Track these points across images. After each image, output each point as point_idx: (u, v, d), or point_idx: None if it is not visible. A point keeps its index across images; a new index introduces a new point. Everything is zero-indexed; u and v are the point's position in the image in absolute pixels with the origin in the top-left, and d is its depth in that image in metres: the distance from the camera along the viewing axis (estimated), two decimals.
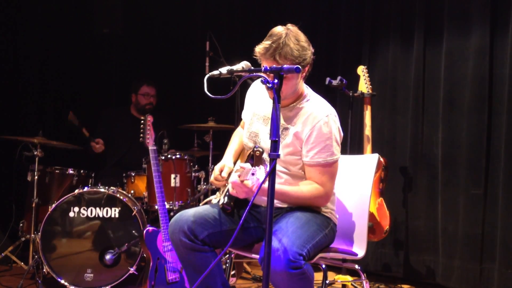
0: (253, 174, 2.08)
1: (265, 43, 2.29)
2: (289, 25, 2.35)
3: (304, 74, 2.39)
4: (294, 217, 2.38)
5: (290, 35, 2.29)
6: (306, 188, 2.41)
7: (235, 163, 2.63)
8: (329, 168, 2.41)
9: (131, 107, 4.70)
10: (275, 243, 2.15)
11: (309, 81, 2.54)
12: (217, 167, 2.53)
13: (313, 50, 2.38)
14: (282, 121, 2.43)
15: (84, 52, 5.19)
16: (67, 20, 5.10)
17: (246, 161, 2.48)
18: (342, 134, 2.48)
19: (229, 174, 2.52)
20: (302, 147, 2.42)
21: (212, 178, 2.53)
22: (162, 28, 5.45)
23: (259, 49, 2.31)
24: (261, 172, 2.08)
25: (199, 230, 2.39)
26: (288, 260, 2.12)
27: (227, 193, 2.47)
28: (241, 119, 2.75)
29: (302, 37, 2.34)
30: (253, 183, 2.11)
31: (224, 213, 2.50)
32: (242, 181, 2.17)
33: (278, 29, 2.32)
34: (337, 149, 2.42)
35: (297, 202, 2.45)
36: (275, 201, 2.32)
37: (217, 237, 2.43)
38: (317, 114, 2.40)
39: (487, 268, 3.68)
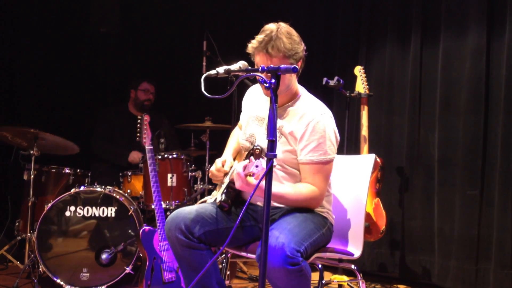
0: (257, 166, 2.08)
1: (258, 37, 2.36)
2: (281, 22, 2.41)
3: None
4: (292, 216, 2.39)
5: (282, 29, 2.36)
6: (303, 190, 2.41)
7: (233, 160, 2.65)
8: (323, 168, 2.41)
9: (129, 104, 4.70)
10: (272, 240, 2.15)
11: (306, 81, 2.54)
12: (218, 160, 2.55)
13: (304, 47, 2.43)
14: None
15: (81, 50, 5.18)
16: (64, 18, 5.09)
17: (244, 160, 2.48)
18: (338, 136, 2.48)
19: (230, 169, 2.53)
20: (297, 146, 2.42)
21: (213, 168, 2.53)
22: (159, 27, 5.45)
23: (252, 43, 2.37)
24: (264, 163, 2.09)
25: (195, 228, 2.40)
26: (286, 256, 2.12)
27: (225, 191, 2.48)
28: (238, 119, 2.77)
29: (293, 32, 2.40)
30: (258, 175, 2.13)
31: (221, 211, 2.51)
32: (246, 175, 2.20)
33: (270, 25, 2.39)
34: (331, 149, 2.42)
35: (293, 204, 2.46)
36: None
37: (213, 235, 2.43)
38: (312, 113, 2.42)
39: (482, 269, 3.69)
